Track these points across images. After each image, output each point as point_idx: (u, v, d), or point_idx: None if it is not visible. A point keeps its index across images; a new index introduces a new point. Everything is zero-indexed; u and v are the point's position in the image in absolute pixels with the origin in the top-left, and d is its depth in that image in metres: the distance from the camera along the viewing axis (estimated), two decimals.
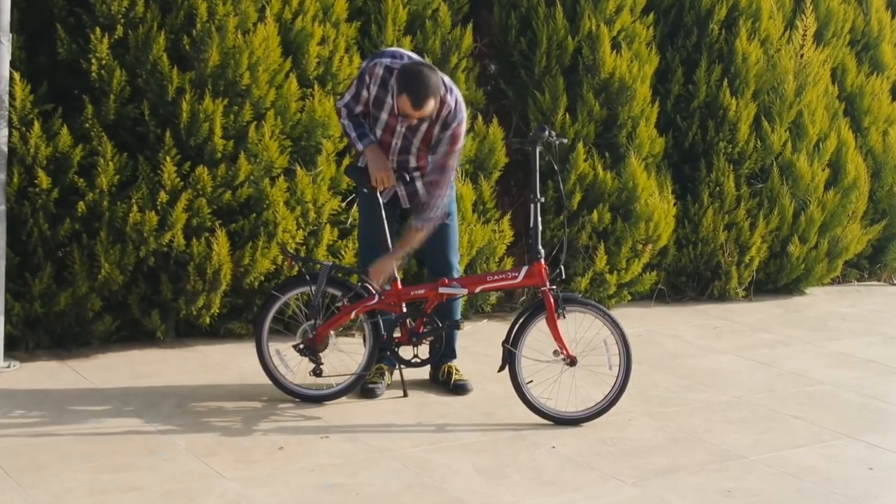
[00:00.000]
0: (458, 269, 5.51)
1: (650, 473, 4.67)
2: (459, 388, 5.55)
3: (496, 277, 5.31)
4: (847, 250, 8.50)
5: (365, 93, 5.12)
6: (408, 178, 5.27)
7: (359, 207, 5.45)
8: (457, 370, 5.60)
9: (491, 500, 4.36)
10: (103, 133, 5.77)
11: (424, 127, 5.12)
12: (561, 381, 5.21)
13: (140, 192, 5.80)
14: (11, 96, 5.57)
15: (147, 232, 5.77)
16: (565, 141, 5.62)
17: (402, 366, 5.31)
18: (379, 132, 5.18)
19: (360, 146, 5.19)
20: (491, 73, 7.43)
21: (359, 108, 5.18)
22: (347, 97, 5.19)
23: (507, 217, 7.03)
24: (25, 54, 5.74)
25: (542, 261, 5.13)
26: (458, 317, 5.52)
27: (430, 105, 4.94)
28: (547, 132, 5.23)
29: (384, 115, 5.13)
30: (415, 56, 5.25)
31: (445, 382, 5.57)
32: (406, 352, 5.29)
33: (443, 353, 5.45)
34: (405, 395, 5.42)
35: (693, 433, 5.18)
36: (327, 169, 6.31)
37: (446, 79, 5.10)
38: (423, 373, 5.60)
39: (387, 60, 5.08)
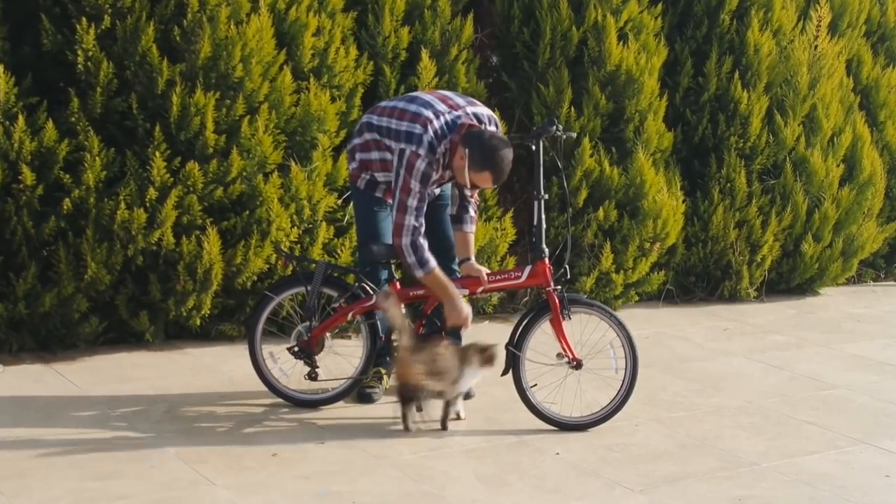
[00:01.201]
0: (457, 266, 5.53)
1: (658, 481, 4.66)
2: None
3: (499, 277, 5.30)
4: (862, 249, 8.50)
5: (430, 187, 5.02)
6: None
7: (357, 209, 5.42)
8: None
9: None
10: (90, 127, 5.77)
11: None
12: (566, 385, 5.20)
13: (128, 189, 5.80)
14: None
15: (135, 230, 5.77)
16: (572, 135, 5.62)
17: None
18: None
19: (423, 272, 4.98)
20: (492, 65, 7.42)
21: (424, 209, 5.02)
22: (415, 204, 4.90)
23: (509, 215, 7.03)
24: (9, 45, 5.74)
25: (547, 260, 5.13)
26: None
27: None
28: (555, 126, 5.22)
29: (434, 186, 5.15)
30: (453, 99, 5.16)
31: None
32: None
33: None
34: None
35: (702, 439, 5.17)
36: (323, 165, 6.30)
37: (490, 114, 5.17)
38: None
39: (441, 149, 4.94)
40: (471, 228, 5.33)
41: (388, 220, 5.25)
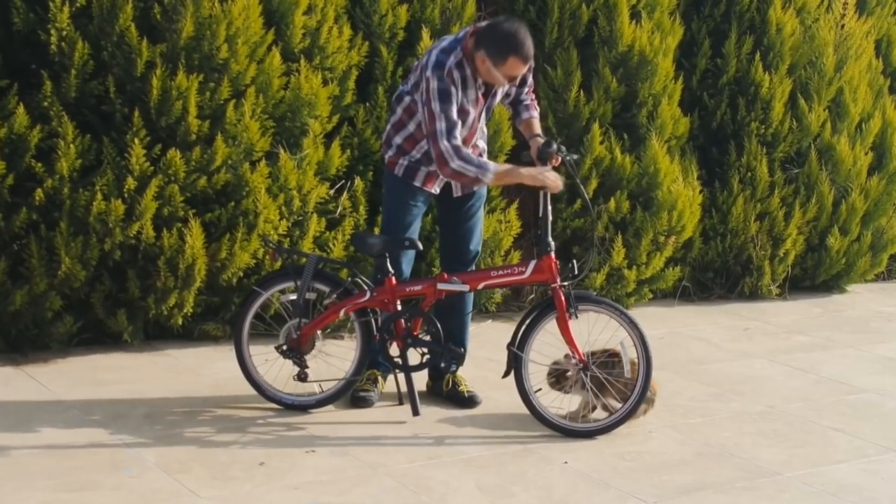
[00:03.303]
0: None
1: (673, 492, 4.66)
2: (469, 401, 5.53)
3: (501, 273, 5.30)
4: (892, 243, 8.50)
5: (455, 105, 5.06)
6: None
7: (388, 198, 5.45)
8: (463, 380, 5.58)
9: None
10: (64, 112, 5.75)
11: (501, 91, 5.30)
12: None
13: (105, 179, 5.79)
14: None
15: (112, 222, 5.76)
16: (577, 157, 5.59)
17: (398, 371, 5.30)
18: (465, 132, 5.18)
19: (490, 173, 5.08)
20: None
21: (459, 127, 5.11)
22: (443, 126, 5.00)
23: (514, 206, 7.02)
24: None
25: (553, 254, 5.12)
26: (470, 309, 5.55)
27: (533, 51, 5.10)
28: (554, 147, 5.19)
29: (469, 110, 5.15)
30: (449, 36, 5.27)
31: (452, 395, 5.55)
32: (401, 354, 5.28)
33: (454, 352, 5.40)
34: (401, 403, 5.41)
35: (721, 447, 5.17)
36: (314, 152, 6.29)
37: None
38: (422, 378, 5.58)
39: (451, 60, 5.04)
40: (533, 113, 5.47)
41: (419, 218, 5.39)
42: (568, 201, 7.12)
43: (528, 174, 5.15)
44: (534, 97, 5.55)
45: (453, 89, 5.03)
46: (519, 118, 5.52)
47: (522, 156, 5.41)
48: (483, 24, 5.15)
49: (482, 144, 5.42)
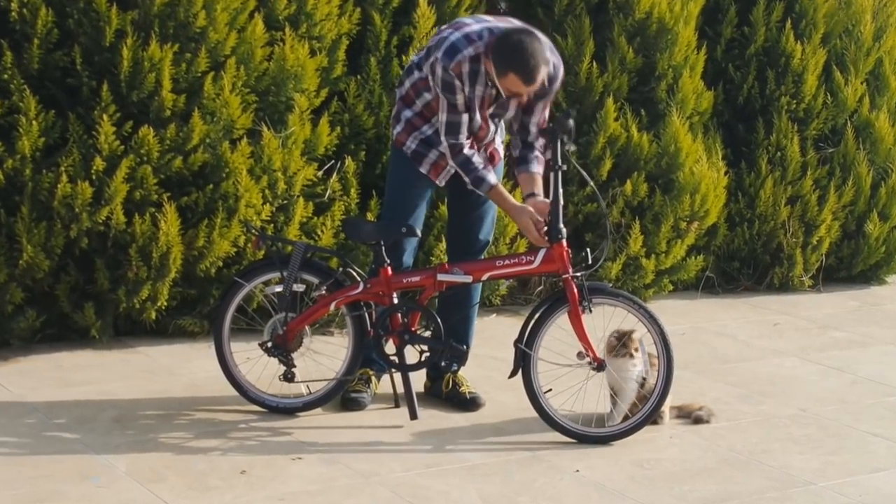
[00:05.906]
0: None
1: (696, 503, 4.65)
2: (471, 403, 5.53)
3: (508, 262, 5.28)
4: None
5: (461, 97, 5.04)
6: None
7: (391, 179, 5.45)
8: (465, 380, 5.57)
9: None
10: (26, 86, 5.75)
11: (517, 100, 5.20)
12: (586, 390, 5.20)
13: (71, 159, 5.78)
14: None
15: (79, 207, 5.75)
16: (573, 149, 5.55)
17: (394, 370, 5.29)
18: (474, 128, 5.18)
19: (485, 187, 5.15)
20: (502, 12, 7.39)
21: (465, 124, 5.12)
22: (445, 119, 5.06)
23: (520, 189, 6.99)
24: None
25: (565, 242, 5.10)
26: (476, 301, 5.54)
27: (542, 75, 4.99)
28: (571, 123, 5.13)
29: (478, 114, 5.14)
30: (488, 19, 5.20)
31: (452, 396, 5.54)
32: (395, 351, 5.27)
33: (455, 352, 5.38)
34: (397, 405, 5.40)
35: (749, 454, 5.17)
36: (300, 130, 6.28)
37: (541, 35, 5.07)
38: (420, 379, 5.57)
39: (469, 51, 4.99)
40: (537, 169, 5.30)
41: (424, 203, 5.39)
42: (580, 184, 7.10)
43: (514, 208, 5.17)
44: (542, 139, 5.32)
45: (457, 83, 5.00)
46: (525, 167, 5.29)
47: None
48: (503, 29, 5.06)
49: (499, 142, 5.38)
